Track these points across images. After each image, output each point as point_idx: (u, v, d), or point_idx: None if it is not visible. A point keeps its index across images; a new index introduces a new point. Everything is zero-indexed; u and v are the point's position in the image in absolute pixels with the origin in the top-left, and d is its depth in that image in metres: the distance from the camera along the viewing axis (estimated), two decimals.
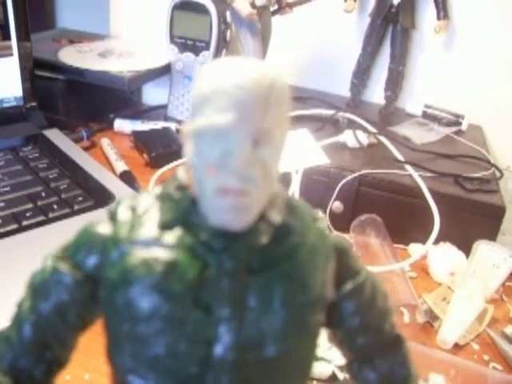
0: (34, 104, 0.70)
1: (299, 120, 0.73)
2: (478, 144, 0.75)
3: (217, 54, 0.78)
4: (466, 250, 0.57)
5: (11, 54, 0.67)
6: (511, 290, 0.56)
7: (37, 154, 0.63)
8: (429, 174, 0.63)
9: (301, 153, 0.63)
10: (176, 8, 0.77)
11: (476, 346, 0.48)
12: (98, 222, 0.24)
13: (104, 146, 0.73)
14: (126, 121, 0.80)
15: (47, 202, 0.54)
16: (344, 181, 0.61)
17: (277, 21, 0.74)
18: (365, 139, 0.69)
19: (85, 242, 0.23)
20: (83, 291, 0.23)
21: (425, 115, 0.83)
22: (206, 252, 0.21)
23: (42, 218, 0.52)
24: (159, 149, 0.71)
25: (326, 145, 0.67)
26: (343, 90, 0.87)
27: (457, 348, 0.47)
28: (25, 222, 0.51)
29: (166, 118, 0.83)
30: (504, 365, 0.46)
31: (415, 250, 0.58)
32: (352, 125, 0.72)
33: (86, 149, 0.71)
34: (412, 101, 0.85)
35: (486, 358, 0.47)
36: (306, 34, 0.87)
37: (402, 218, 0.61)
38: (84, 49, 0.84)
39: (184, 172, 0.23)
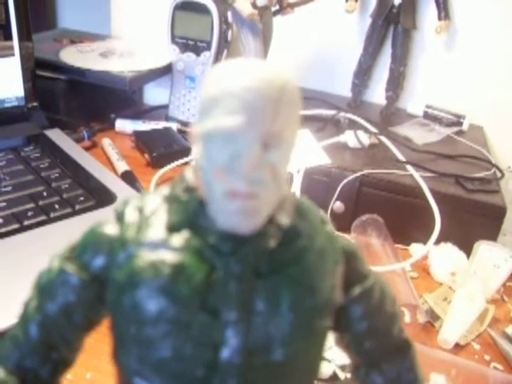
0: (35, 104, 0.70)
1: (300, 120, 0.73)
2: (478, 144, 0.75)
3: (218, 54, 0.78)
4: (467, 250, 0.58)
5: (13, 54, 0.67)
6: None
7: (38, 154, 0.63)
8: (430, 175, 0.63)
9: (302, 153, 0.63)
10: (177, 8, 0.77)
11: (477, 346, 0.48)
12: (105, 222, 0.23)
13: (105, 145, 0.73)
14: (127, 121, 0.80)
15: (49, 201, 0.54)
16: (345, 181, 0.61)
17: (278, 21, 0.74)
18: (366, 139, 0.69)
19: (92, 243, 0.23)
20: (90, 292, 0.23)
21: (426, 115, 0.83)
22: (213, 255, 0.21)
23: (43, 217, 0.52)
24: (160, 149, 0.71)
25: (327, 145, 0.67)
26: (344, 90, 0.87)
27: (458, 348, 0.47)
28: (26, 222, 0.51)
29: (168, 118, 0.83)
30: (505, 365, 0.46)
31: (416, 250, 0.58)
32: (353, 125, 0.72)
33: (87, 149, 0.71)
34: (413, 101, 0.85)
35: (486, 357, 0.47)
36: (308, 35, 0.87)
37: (403, 218, 0.61)
38: (85, 49, 0.85)
39: (192, 173, 0.22)
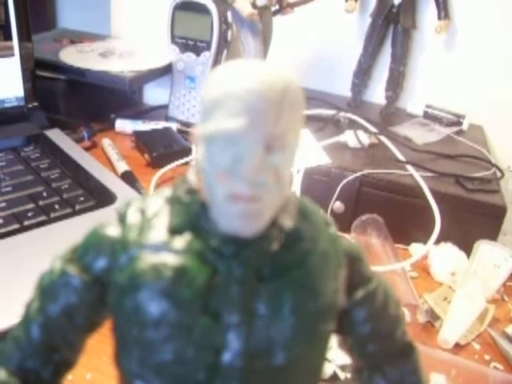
0: (35, 104, 0.70)
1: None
2: (478, 144, 0.75)
3: (218, 54, 0.78)
4: (467, 249, 0.58)
5: (12, 55, 0.67)
6: None
7: (38, 154, 0.63)
8: (430, 174, 0.63)
9: (302, 153, 0.63)
10: (177, 8, 0.77)
11: (477, 346, 0.48)
12: (107, 223, 0.23)
13: (105, 146, 0.73)
14: (127, 121, 0.80)
15: (49, 201, 0.54)
16: (345, 181, 0.61)
17: (278, 21, 0.73)
18: (366, 139, 0.69)
19: (93, 244, 0.23)
20: (91, 294, 0.23)
21: (426, 115, 0.83)
22: (215, 258, 0.21)
23: (43, 217, 0.52)
24: (160, 149, 0.71)
25: (327, 145, 0.67)
26: (344, 90, 0.87)
27: (458, 348, 0.47)
28: (26, 222, 0.51)
29: (167, 118, 0.83)
30: (505, 365, 0.47)
31: (416, 249, 0.58)
32: (353, 125, 0.72)
33: (87, 149, 0.71)
34: (413, 101, 0.85)
35: (487, 357, 0.47)
36: (307, 34, 0.87)
37: (403, 218, 0.61)
38: (85, 49, 0.84)
39: (194, 175, 0.22)
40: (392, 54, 0.82)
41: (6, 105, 0.68)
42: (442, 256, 0.57)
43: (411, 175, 0.63)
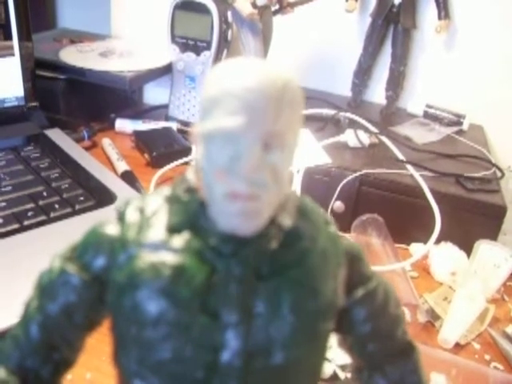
0: (35, 104, 0.70)
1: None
2: (479, 144, 0.75)
3: (218, 53, 0.78)
4: (467, 249, 0.58)
5: (13, 54, 0.67)
6: None
7: (38, 154, 0.63)
8: (430, 174, 0.63)
9: (302, 152, 0.63)
10: (177, 8, 0.77)
11: (477, 346, 0.48)
12: (107, 222, 0.23)
13: (105, 145, 0.73)
14: (127, 120, 0.80)
15: (48, 201, 0.54)
16: (345, 180, 0.61)
17: (278, 21, 0.73)
18: (366, 139, 0.69)
19: (93, 243, 0.23)
20: (91, 292, 0.23)
21: (426, 115, 0.83)
22: (214, 257, 0.21)
23: (43, 217, 0.52)
24: (160, 148, 0.71)
25: (327, 144, 0.67)
26: (344, 89, 0.87)
27: (458, 348, 0.47)
28: (26, 222, 0.50)
29: (167, 118, 0.83)
30: (505, 364, 0.46)
31: (416, 249, 0.58)
32: (353, 125, 0.72)
33: (87, 148, 0.71)
34: (413, 101, 0.85)
35: (487, 357, 0.47)
36: (307, 34, 0.87)
37: (403, 217, 0.61)
38: (85, 48, 0.84)
39: (193, 174, 0.22)
40: (392, 54, 0.82)
41: (6, 104, 0.68)
42: (442, 256, 0.57)
43: (411, 175, 0.63)
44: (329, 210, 0.62)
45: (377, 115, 0.82)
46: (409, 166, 0.64)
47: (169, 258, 0.21)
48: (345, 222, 0.61)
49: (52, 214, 0.52)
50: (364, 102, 0.87)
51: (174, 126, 0.79)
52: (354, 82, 0.85)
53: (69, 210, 0.53)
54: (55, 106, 0.77)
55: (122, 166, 0.67)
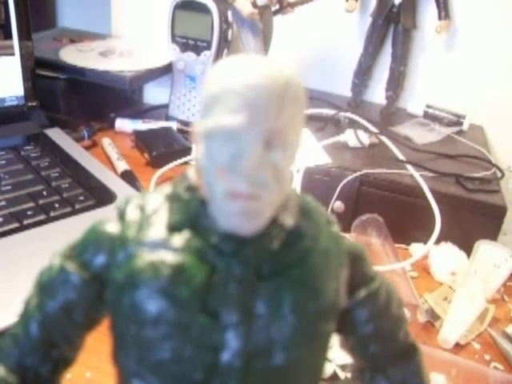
0: (35, 103, 0.70)
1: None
2: (479, 144, 0.75)
3: (218, 53, 0.78)
4: (467, 249, 0.57)
5: (13, 54, 0.67)
6: None
7: (38, 153, 0.63)
8: (430, 174, 0.63)
9: (302, 152, 0.63)
10: (177, 7, 0.77)
11: (477, 346, 0.48)
12: (107, 220, 0.23)
13: (105, 145, 0.73)
14: (127, 120, 0.80)
15: (48, 200, 0.54)
16: (345, 180, 0.61)
17: (278, 20, 0.74)
18: (366, 139, 0.69)
19: (93, 241, 0.23)
20: (90, 291, 0.23)
21: (426, 115, 0.83)
22: (214, 256, 0.21)
23: (43, 216, 0.52)
24: (160, 148, 0.71)
25: (327, 144, 0.67)
26: (344, 89, 0.87)
27: (458, 348, 0.47)
28: (26, 221, 0.50)
29: (168, 118, 0.83)
30: (505, 364, 0.46)
31: (416, 249, 0.58)
32: (353, 125, 0.72)
33: (87, 148, 0.71)
34: (413, 101, 0.85)
35: (487, 357, 0.47)
36: (308, 34, 0.87)
37: (403, 217, 0.61)
38: (85, 48, 0.84)
39: (194, 172, 0.22)
40: (392, 54, 0.82)
41: (6, 104, 0.68)
42: (442, 256, 0.57)
43: (411, 175, 0.63)
44: (329, 210, 0.62)
45: (377, 115, 0.82)
46: (409, 166, 0.64)
47: (169, 257, 0.21)
48: (345, 222, 0.61)
49: (52, 214, 0.52)
50: (364, 102, 0.87)
51: (174, 125, 0.79)
52: (354, 81, 0.85)
53: (69, 209, 0.53)
54: (55, 105, 0.77)
55: (122, 166, 0.67)
